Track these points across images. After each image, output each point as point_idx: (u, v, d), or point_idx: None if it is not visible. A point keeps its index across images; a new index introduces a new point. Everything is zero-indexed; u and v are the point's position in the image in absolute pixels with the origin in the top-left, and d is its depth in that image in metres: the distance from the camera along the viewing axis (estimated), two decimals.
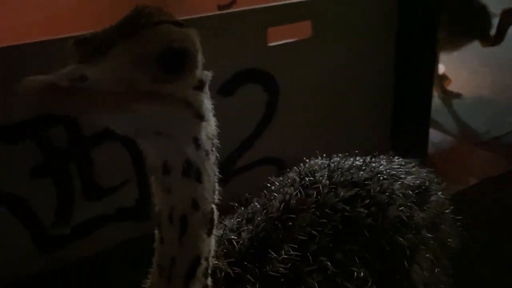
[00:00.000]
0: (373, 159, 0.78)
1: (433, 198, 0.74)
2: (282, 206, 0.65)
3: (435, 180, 0.79)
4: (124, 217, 1.15)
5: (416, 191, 0.72)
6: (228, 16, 1.15)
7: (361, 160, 0.76)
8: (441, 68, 2.08)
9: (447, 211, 0.77)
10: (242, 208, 0.71)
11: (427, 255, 0.69)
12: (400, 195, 0.70)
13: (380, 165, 0.76)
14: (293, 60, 1.24)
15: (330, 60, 1.28)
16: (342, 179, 0.70)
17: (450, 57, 2.29)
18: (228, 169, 1.26)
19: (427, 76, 1.42)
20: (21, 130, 0.99)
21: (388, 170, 0.75)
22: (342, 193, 0.67)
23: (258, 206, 0.68)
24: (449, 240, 0.75)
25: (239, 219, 0.67)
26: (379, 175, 0.72)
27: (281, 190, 0.70)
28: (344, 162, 0.76)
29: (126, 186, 1.13)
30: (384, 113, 1.43)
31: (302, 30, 1.26)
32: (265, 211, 0.66)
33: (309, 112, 1.31)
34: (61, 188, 1.06)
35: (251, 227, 0.64)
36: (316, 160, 0.79)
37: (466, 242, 0.77)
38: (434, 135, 1.56)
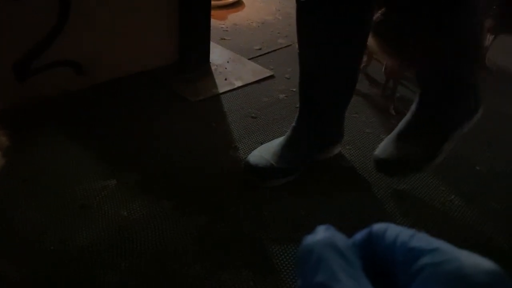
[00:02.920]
0: None
1: None
2: None
3: None
4: None
5: None
6: None
7: None
8: None
9: None
10: None
11: None
12: None
13: None
14: None
15: None
16: None
17: None
18: (23, 69, 1.40)
19: None
20: None
21: None
22: None
23: None
24: None
25: None
26: None
27: None
28: None
29: None
30: (172, 21, 1.67)
31: None
32: None
33: (103, 19, 1.50)
34: None
35: None
36: None
37: None
38: (221, 51, 1.88)
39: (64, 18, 1.40)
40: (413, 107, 1.19)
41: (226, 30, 2.10)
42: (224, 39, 2.01)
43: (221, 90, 1.62)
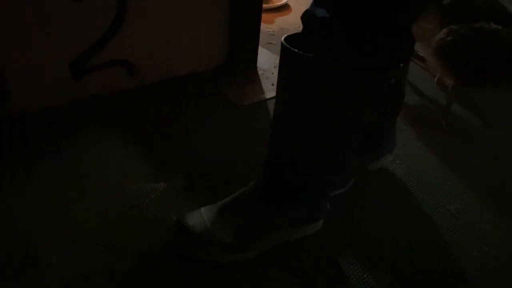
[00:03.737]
0: None
1: None
2: None
3: None
4: None
5: None
6: None
7: None
8: None
9: None
10: None
11: None
12: None
13: None
14: None
15: None
16: None
17: None
18: (80, 67, 1.43)
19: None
20: None
21: None
22: None
23: None
24: None
25: None
26: None
27: None
28: None
29: None
30: (222, 25, 1.68)
31: None
32: None
33: (157, 20, 1.51)
34: None
35: None
36: None
37: None
38: (268, 56, 1.87)
39: (121, 18, 1.43)
40: (253, 182, 1.03)
41: (273, 34, 2.09)
42: (271, 43, 2.01)
43: (268, 95, 1.61)
